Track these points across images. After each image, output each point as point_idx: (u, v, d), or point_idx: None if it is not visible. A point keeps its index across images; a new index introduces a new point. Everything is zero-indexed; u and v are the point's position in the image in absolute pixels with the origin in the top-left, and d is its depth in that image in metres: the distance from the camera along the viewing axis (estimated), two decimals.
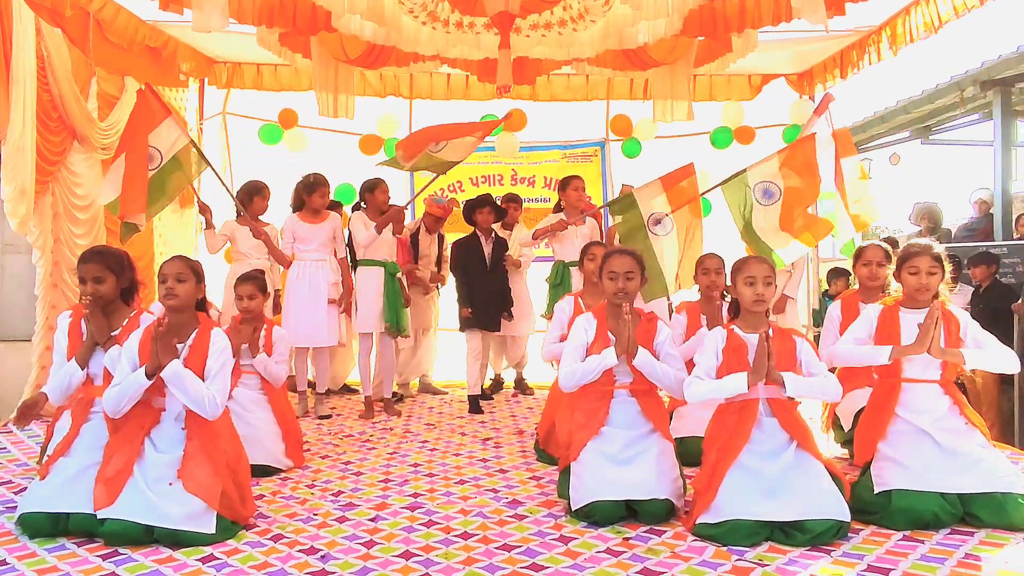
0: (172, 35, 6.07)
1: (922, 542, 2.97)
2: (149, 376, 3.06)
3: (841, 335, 4.11)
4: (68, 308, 3.59)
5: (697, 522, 3.07)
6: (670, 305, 6.03)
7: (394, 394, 5.98)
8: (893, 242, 6.55)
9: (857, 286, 4.57)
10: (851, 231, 5.54)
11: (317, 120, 6.55)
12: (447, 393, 6.48)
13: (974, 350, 3.30)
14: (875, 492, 3.19)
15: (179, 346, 3.20)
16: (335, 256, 5.56)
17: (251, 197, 5.62)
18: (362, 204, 5.71)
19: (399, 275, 5.64)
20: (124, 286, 3.42)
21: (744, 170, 5.22)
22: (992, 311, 6.11)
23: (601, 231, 6.29)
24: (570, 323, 4.20)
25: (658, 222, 5.24)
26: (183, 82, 6.71)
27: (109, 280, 3.33)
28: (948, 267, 3.40)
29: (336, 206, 6.21)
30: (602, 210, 6.76)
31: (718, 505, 3.03)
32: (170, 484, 3.03)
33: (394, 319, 5.47)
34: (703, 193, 5.34)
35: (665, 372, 3.42)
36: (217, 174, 5.64)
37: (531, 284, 6.53)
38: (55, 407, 3.51)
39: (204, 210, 5.61)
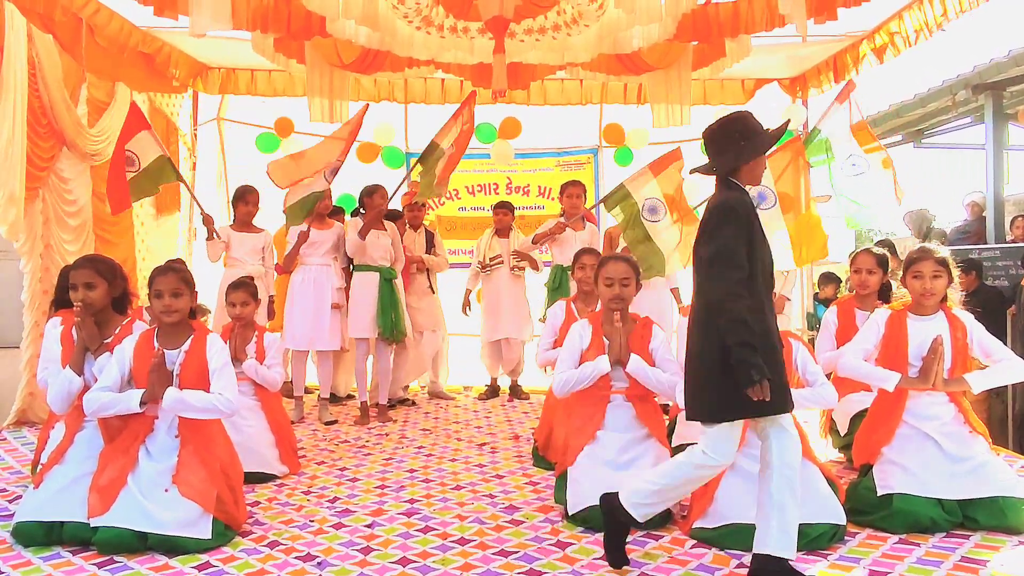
0: (166, 41, 6.06)
1: (919, 545, 2.98)
2: (142, 404, 3.09)
3: (837, 341, 4.13)
4: (56, 315, 3.58)
5: (694, 526, 3.07)
6: (675, 292, 5.99)
7: (403, 400, 6.03)
8: (890, 244, 6.56)
9: (849, 291, 4.57)
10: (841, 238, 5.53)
11: (314, 127, 6.55)
12: (454, 399, 6.45)
13: (978, 374, 3.30)
14: (878, 495, 3.19)
15: (176, 352, 3.21)
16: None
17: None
18: (361, 210, 5.72)
19: (395, 279, 5.65)
20: (116, 294, 3.41)
21: None
22: (981, 315, 6.12)
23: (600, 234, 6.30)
24: (562, 328, 4.21)
25: (652, 210, 5.26)
26: (176, 88, 6.69)
27: (100, 287, 3.33)
28: (956, 271, 3.39)
29: (337, 212, 6.22)
30: (594, 209, 6.77)
31: (716, 509, 3.04)
32: (165, 491, 3.03)
33: (388, 324, 5.47)
34: (698, 205, 5.33)
35: (658, 378, 3.42)
36: (188, 188, 6.14)
37: (530, 289, 6.52)
38: (59, 415, 3.50)
39: (207, 221, 5.62)
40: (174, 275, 3.23)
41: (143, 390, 3.10)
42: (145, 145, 5.40)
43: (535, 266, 6.26)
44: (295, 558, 2.92)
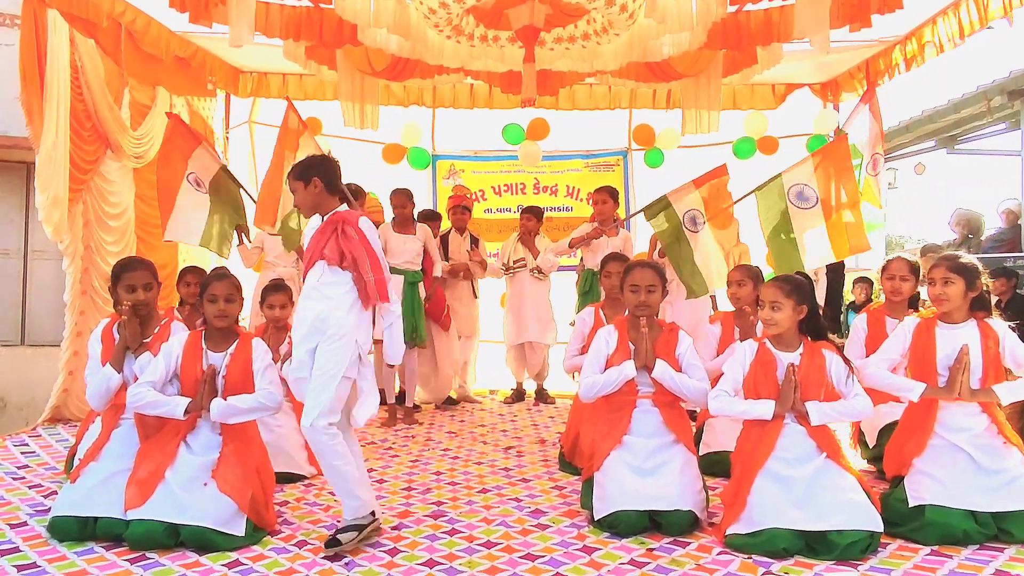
0: (200, 46, 6.16)
1: (951, 557, 2.94)
2: (187, 413, 3.20)
3: (866, 349, 4.09)
4: (107, 315, 3.71)
5: (729, 532, 3.06)
6: (713, 299, 5.96)
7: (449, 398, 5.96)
8: (936, 249, 6.49)
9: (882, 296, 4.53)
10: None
11: (341, 129, 6.62)
12: (480, 402, 6.47)
13: (1009, 385, 3.24)
14: (910, 506, 3.16)
15: (222, 355, 3.32)
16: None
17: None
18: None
19: (419, 284, 5.68)
20: (158, 295, 3.55)
21: (779, 175, 5.22)
22: (1014, 324, 6.02)
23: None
24: (591, 334, 4.21)
25: (693, 220, 5.26)
26: (211, 92, 6.81)
27: (155, 288, 3.50)
28: (985, 277, 3.32)
29: (434, 217, 6.37)
30: (627, 221, 6.76)
31: (750, 515, 3.02)
32: (204, 485, 3.09)
33: (409, 328, 5.50)
34: (738, 200, 5.33)
35: (684, 383, 3.42)
36: (249, 195, 5.89)
37: (555, 293, 6.53)
38: (97, 412, 3.58)
39: (240, 228, 5.71)
40: (228, 281, 3.38)
41: (189, 400, 3.20)
42: (205, 163, 5.43)
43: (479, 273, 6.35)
44: (323, 558, 2.96)
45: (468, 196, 6.83)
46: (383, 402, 6.04)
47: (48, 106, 4.79)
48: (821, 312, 3.53)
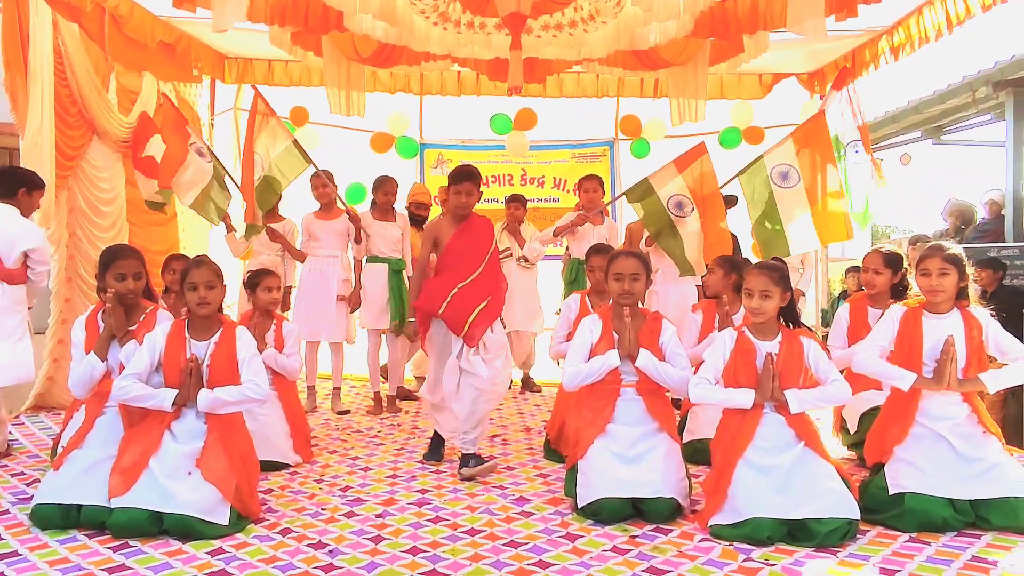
0: (185, 31, 6.10)
1: (929, 544, 2.98)
2: (174, 406, 3.19)
3: (848, 338, 4.13)
4: (92, 303, 3.69)
5: (714, 523, 3.08)
6: (699, 288, 5.97)
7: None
8: (925, 240, 6.54)
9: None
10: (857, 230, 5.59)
11: (328, 117, 6.58)
12: None
13: (995, 373, 3.27)
14: (890, 493, 3.19)
15: (206, 344, 3.31)
16: (347, 253, 5.62)
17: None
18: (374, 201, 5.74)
19: (405, 271, 5.67)
20: (145, 284, 3.55)
21: (760, 156, 5.27)
22: (1000, 315, 6.09)
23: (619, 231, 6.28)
24: (576, 322, 4.22)
25: (679, 205, 5.27)
26: (196, 77, 6.75)
27: (144, 278, 3.48)
28: (971, 269, 3.35)
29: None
30: (610, 206, 6.76)
31: (733, 505, 3.05)
32: (188, 473, 3.09)
33: (400, 316, 5.50)
34: (723, 185, 5.35)
35: (668, 372, 3.43)
36: (232, 179, 5.93)
37: (541, 282, 6.53)
38: (81, 400, 3.56)
39: (227, 215, 5.68)
40: (207, 268, 3.34)
41: (176, 391, 3.19)
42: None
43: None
44: (307, 545, 2.96)
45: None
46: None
47: (32, 91, 4.75)
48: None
